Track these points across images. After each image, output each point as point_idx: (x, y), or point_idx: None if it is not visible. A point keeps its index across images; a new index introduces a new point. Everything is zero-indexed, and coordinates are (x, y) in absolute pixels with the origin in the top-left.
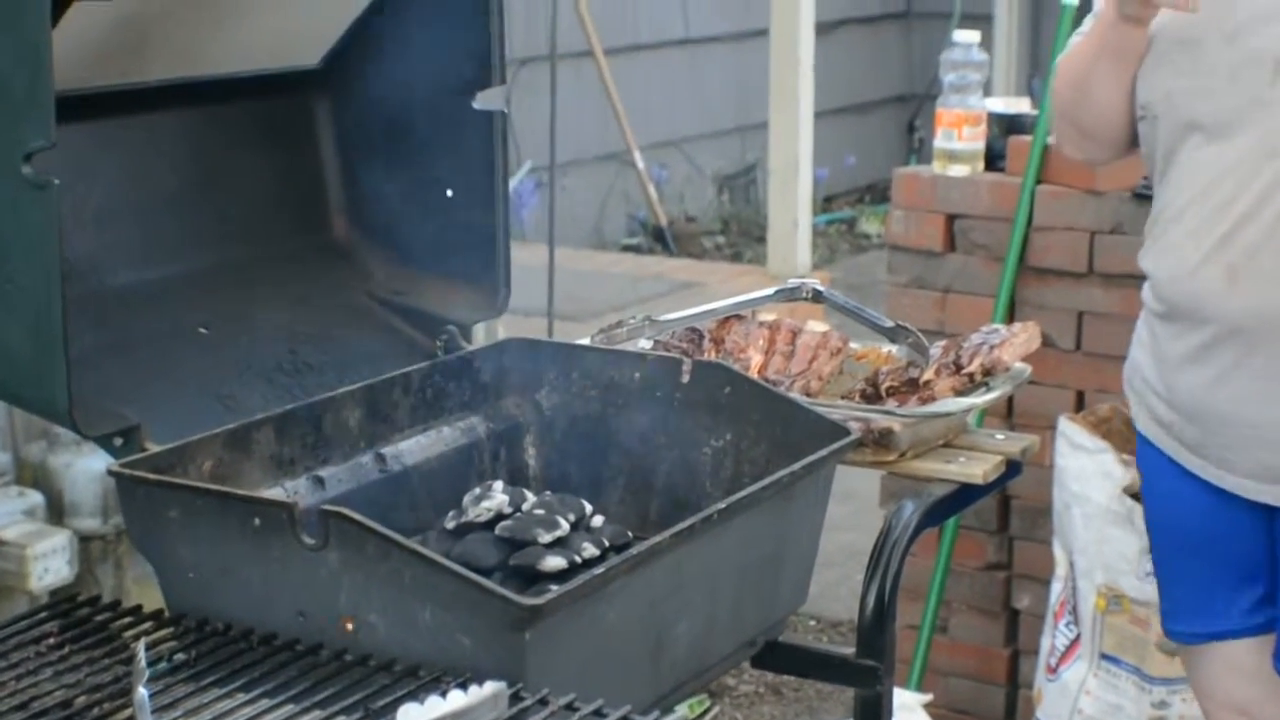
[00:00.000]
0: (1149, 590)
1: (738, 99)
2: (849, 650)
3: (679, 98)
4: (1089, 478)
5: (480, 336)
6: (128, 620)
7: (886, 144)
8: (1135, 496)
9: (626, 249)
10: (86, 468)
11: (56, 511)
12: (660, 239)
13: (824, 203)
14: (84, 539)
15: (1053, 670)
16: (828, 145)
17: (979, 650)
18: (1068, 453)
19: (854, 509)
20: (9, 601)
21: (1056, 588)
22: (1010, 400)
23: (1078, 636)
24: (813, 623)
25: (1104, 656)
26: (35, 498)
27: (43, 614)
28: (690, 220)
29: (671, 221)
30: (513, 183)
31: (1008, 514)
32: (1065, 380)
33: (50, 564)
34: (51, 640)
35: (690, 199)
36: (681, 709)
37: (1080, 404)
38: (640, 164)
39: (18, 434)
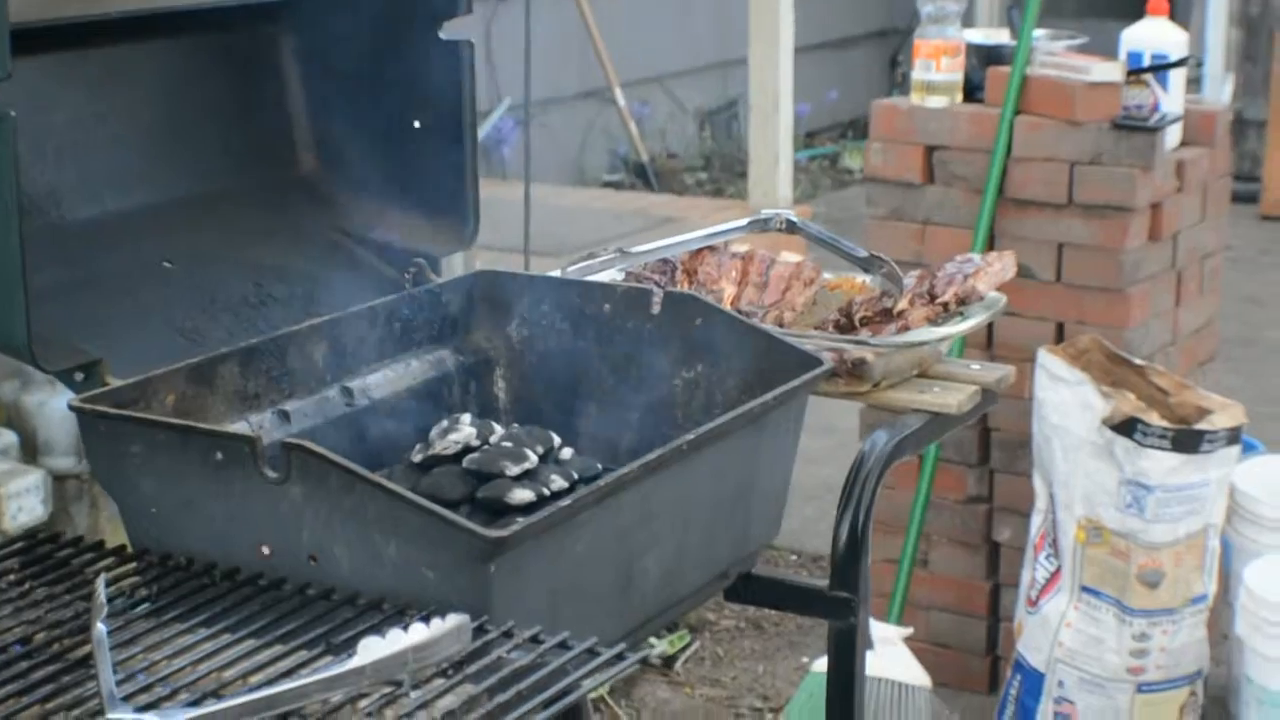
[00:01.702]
0: (1129, 522)
1: (719, 34)
2: (823, 582)
3: (660, 33)
4: (1068, 410)
5: (459, 272)
6: (90, 556)
7: (869, 79)
8: (1114, 428)
9: (608, 185)
10: (60, 406)
11: (30, 450)
12: (642, 175)
13: (806, 138)
14: (58, 478)
15: (1033, 603)
16: (810, 80)
17: (959, 583)
18: (1047, 385)
19: (834, 443)
20: None
21: (1036, 520)
22: (990, 331)
23: (1058, 569)
24: (794, 557)
25: (1084, 589)
26: (9, 437)
27: (4, 551)
28: (672, 156)
29: (653, 157)
30: (493, 119)
31: (988, 446)
32: (1045, 312)
33: (24, 503)
34: (12, 577)
35: (672, 135)
36: (662, 644)
37: (1060, 335)
38: (621, 100)
39: None
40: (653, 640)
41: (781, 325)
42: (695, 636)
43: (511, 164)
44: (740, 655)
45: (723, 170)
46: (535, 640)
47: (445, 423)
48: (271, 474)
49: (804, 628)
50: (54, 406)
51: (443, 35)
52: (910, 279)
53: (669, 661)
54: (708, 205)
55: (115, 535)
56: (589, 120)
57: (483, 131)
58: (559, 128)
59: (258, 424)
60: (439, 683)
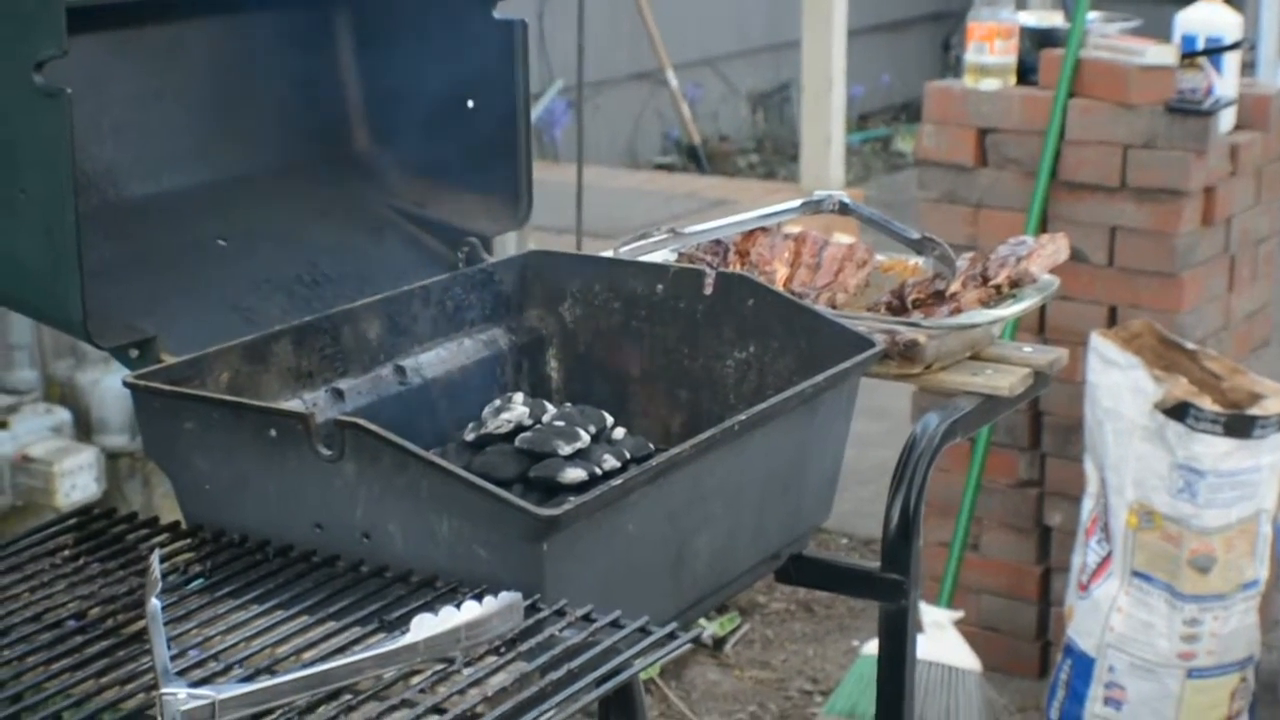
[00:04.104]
0: (1181, 507)
1: (772, 16)
2: (874, 565)
3: (713, 15)
4: (1121, 394)
5: (510, 253)
6: (144, 532)
7: (922, 62)
8: (1167, 412)
9: (660, 168)
10: (114, 385)
11: (84, 428)
12: (694, 158)
13: (859, 121)
14: (112, 456)
15: (1084, 588)
16: (863, 63)
17: (1010, 567)
18: (1099, 368)
19: (888, 426)
20: (37, 518)
21: (1088, 504)
22: (1042, 315)
23: (1109, 554)
24: (845, 540)
25: (1135, 574)
26: (63, 415)
27: (59, 526)
28: (724, 139)
29: (705, 140)
30: (544, 101)
31: (1040, 430)
32: (1098, 296)
33: (78, 480)
34: (67, 552)
35: (724, 117)
36: (712, 626)
37: (1113, 319)
38: (674, 82)
39: (46, 351)
40: (703, 622)
41: (834, 307)
42: (745, 619)
43: (563, 146)
44: (790, 638)
45: (775, 153)
46: (587, 619)
47: (498, 401)
48: (325, 451)
49: (854, 610)
50: (107, 385)
51: (496, 14)
52: (963, 261)
53: (719, 643)
54: (759, 188)
55: (169, 513)
56: (641, 102)
57: (535, 113)
58: (611, 110)
59: (311, 402)
60: (491, 660)
